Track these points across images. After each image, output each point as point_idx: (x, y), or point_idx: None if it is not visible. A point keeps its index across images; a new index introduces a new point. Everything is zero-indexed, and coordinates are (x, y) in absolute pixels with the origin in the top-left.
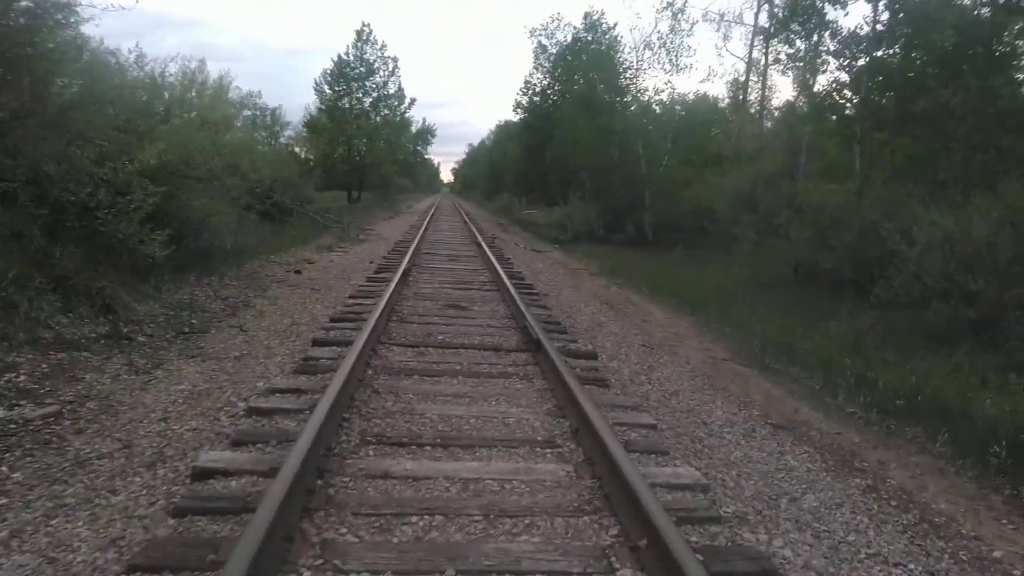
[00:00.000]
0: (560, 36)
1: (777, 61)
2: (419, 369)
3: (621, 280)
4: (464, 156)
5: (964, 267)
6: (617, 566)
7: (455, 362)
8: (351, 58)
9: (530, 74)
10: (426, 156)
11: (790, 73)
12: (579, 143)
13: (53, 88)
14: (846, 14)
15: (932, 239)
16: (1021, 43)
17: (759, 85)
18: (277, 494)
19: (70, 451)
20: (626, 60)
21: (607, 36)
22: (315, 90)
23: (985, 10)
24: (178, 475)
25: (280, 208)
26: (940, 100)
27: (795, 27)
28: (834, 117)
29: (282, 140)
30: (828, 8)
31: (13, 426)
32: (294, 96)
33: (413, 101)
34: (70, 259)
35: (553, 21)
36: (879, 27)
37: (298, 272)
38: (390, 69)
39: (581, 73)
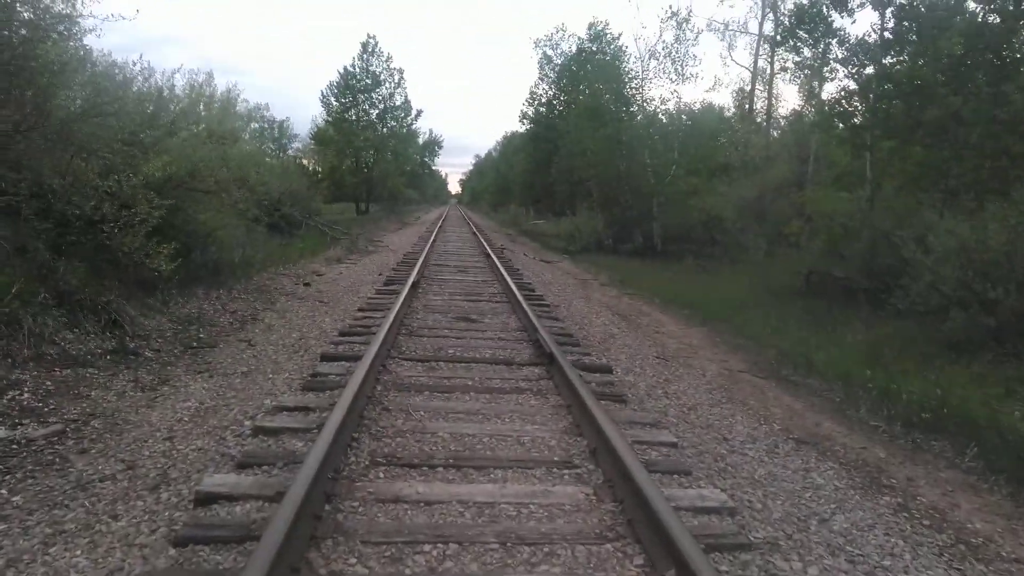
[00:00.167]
0: (565, 47)
1: (784, 69)
2: (430, 385)
3: (632, 290)
4: (471, 167)
5: (981, 275)
6: None
7: (467, 377)
8: (357, 70)
9: (535, 85)
10: (433, 167)
11: (797, 81)
12: (586, 154)
13: (56, 100)
14: (853, 22)
15: (948, 247)
16: None
17: (765, 94)
18: (282, 521)
19: (72, 472)
20: (631, 70)
21: (612, 46)
22: (322, 102)
23: (994, 17)
24: (181, 499)
25: (288, 220)
26: (951, 107)
27: (802, 34)
28: (843, 125)
29: (290, 152)
30: (835, 15)
31: (15, 446)
32: (303, 108)
33: (420, 112)
34: (75, 273)
35: (558, 32)
36: (887, 35)
37: (307, 285)
38: (396, 80)
39: (586, 84)
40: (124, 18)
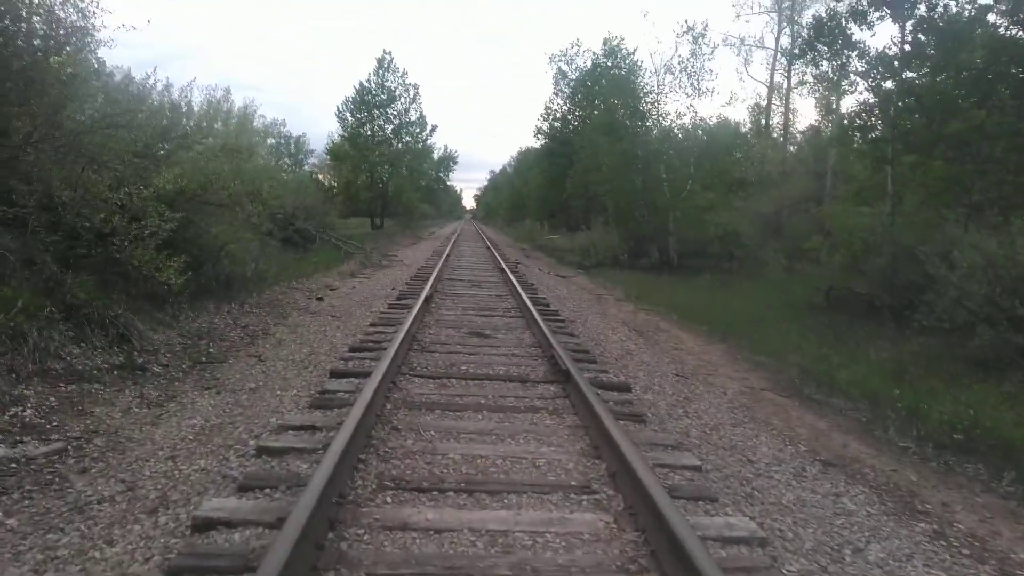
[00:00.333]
0: (580, 62)
1: (803, 83)
2: (441, 403)
3: (648, 306)
4: (486, 182)
5: (1010, 291)
6: None
7: (479, 395)
8: (372, 85)
9: (550, 100)
10: (448, 183)
11: (815, 95)
12: (601, 168)
13: (66, 112)
14: (873, 35)
15: (974, 263)
16: None
17: (781, 109)
18: (282, 551)
19: (71, 493)
20: (647, 84)
21: (627, 61)
22: (337, 117)
23: (1018, 30)
24: (179, 524)
25: (303, 234)
26: (974, 121)
27: (821, 47)
28: (860, 139)
29: (306, 168)
30: (854, 28)
31: (14, 465)
32: (320, 124)
33: (435, 128)
34: (83, 287)
35: (572, 47)
36: (907, 47)
37: (319, 299)
38: (411, 96)
39: (601, 99)
40: (135, 28)
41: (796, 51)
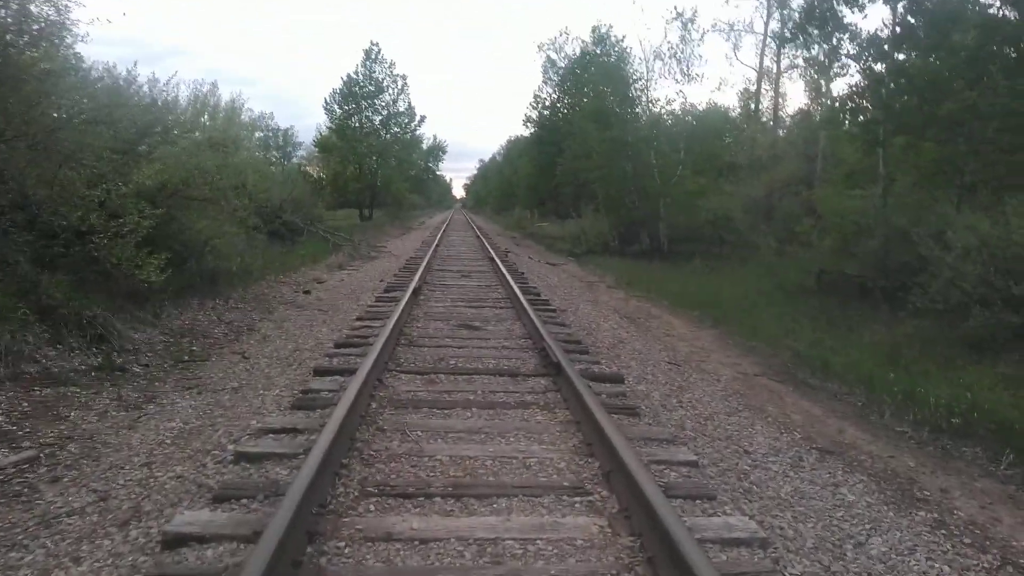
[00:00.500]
0: (569, 50)
1: (794, 67)
2: (428, 400)
3: (639, 292)
4: (475, 171)
5: (1004, 271)
6: None
7: (468, 391)
8: (360, 77)
9: (539, 88)
10: (437, 173)
11: (804, 79)
12: (591, 155)
13: (40, 108)
14: (864, 16)
15: (968, 243)
16: None
17: (771, 93)
18: (255, 570)
19: (40, 505)
20: (636, 71)
21: (616, 48)
22: (325, 109)
23: (1009, 10)
24: (149, 539)
25: (290, 227)
26: (966, 102)
27: (812, 31)
28: (851, 122)
29: (294, 160)
30: (845, 10)
31: None
32: (310, 116)
33: (423, 119)
34: (58, 287)
35: (561, 35)
36: (898, 29)
37: (307, 292)
38: (399, 87)
39: (591, 86)
40: (110, 22)
41: (787, 34)
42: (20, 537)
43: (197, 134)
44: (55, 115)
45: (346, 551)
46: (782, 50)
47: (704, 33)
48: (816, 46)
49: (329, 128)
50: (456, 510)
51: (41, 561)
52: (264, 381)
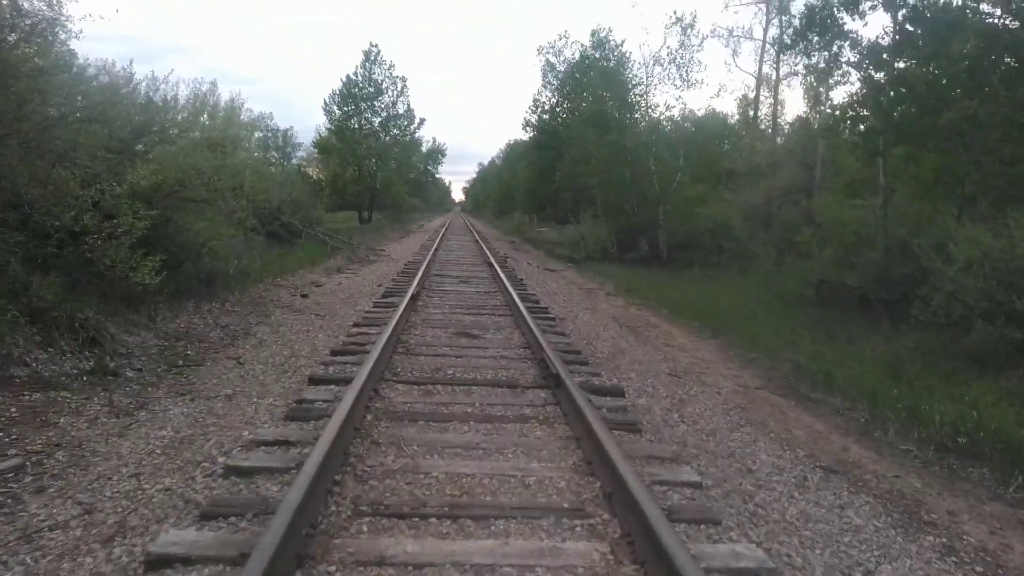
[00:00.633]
0: (568, 54)
1: (795, 74)
2: (425, 413)
3: (638, 300)
4: (475, 175)
5: (1007, 285)
6: None
7: (466, 403)
8: (359, 78)
9: (538, 92)
10: (437, 176)
11: (803, 86)
12: (590, 161)
13: (31, 105)
14: (865, 24)
15: (970, 256)
16: None
17: (770, 100)
18: None
19: (23, 518)
20: (635, 76)
21: (615, 53)
22: (324, 111)
23: (1010, 19)
24: (133, 559)
25: (289, 229)
26: (967, 111)
27: (813, 37)
28: (851, 131)
29: (294, 161)
30: (846, 18)
31: None
32: (308, 117)
33: (423, 121)
34: (50, 288)
35: (560, 39)
36: (899, 37)
37: (304, 296)
38: (399, 89)
39: (590, 91)
40: (103, 17)
41: (788, 40)
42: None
43: (196, 134)
44: (48, 113)
45: None
46: (782, 57)
47: (703, 39)
48: (816, 53)
49: (328, 129)
50: (452, 532)
51: None
52: (258, 388)
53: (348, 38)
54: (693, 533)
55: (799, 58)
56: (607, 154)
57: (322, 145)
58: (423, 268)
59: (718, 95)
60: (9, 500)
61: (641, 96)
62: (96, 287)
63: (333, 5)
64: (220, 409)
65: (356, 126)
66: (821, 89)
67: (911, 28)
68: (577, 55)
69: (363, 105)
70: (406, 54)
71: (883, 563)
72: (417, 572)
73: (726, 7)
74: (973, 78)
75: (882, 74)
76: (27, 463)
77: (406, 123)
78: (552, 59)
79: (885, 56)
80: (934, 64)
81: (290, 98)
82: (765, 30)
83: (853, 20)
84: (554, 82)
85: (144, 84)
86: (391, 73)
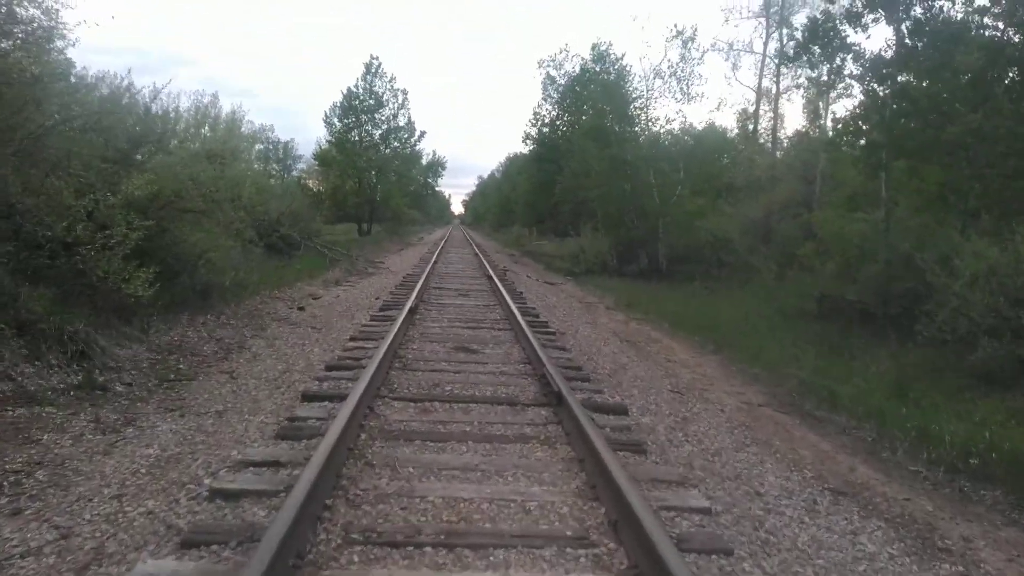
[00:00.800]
0: (568, 67)
1: (797, 86)
2: (422, 432)
3: (639, 315)
4: (475, 188)
5: (1014, 301)
6: None
7: (464, 421)
8: (360, 91)
9: (538, 105)
10: (437, 188)
11: (804, 99)
12: (590, 174)
13: (24, 113)
14: (867, 37)
15: (976, 271)
16: None
17: (770, 114)
18: None
19: None
20: (636, 89)
21: (616, 66)
22: (325, 123)
23: (1014, 32)
24: None
25: (287, 241)
26: (970, 125)
27: (815, 49)
28: (849, 144)
29: (294, 173)
30: (849, 30)
31: None
32: (308, 130)
33: (423, 134)
34: (39, 300)
35: (561, 52)
36: (902, 51)
37: (301, 309)
38: (400, 101)
39: (590, 104)
40: (97, 24)
41: (790, 53)
42: None
43: (196, 145)
44: (42, 121)
45: None
46: (782, 70)
47: (704, 52)
48: (819, 66)
49: (329, 141)
50: (449, 563)
51: None
52: (250, 405)
53: (352, 41)
54: (705, 565)
55: (801, 71)
56: (607, 167)
57: (322, 157)
58: (422, 281)
59: (718, 109)
60: None
61: (641, 109)
62: (88, 299)
63: (337, 7)
64: (210, 426)
65: (356, 138)
66: (820, 103)
67: (913, 41)
68: (578, 68)
69: (364, 117)
70: (410, 57)
71: None
72: None
73: (726, 21)
74: (976, 91)
75: (884, 87)
76: (5, 483)
77: (406, 136)
78: (553, 72)
79: (887, 69)
80: (937, 77)
81: (292, 108)
82: (765, 44)
83: (856, 33)
84: (554, 95)
85: (145, 94)
86: (392, 85)
